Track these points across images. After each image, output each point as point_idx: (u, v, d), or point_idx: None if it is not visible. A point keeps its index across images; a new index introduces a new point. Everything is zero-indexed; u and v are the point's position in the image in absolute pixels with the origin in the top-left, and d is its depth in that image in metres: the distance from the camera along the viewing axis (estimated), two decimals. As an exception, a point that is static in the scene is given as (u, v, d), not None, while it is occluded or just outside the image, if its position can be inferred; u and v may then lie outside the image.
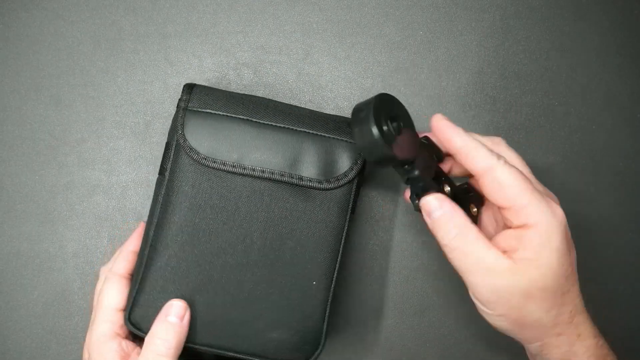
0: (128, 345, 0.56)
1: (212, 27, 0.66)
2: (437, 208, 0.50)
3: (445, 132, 0.52)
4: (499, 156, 0.51)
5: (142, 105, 0.65)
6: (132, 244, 0.60)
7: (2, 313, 0.64)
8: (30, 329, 0.64)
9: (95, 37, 0.66)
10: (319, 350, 0.58)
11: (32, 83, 0.65)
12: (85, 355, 0.56)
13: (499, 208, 0.51)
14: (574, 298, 0.51)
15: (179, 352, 0.54)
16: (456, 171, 0.57)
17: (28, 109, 0.65)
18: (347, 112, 0.66)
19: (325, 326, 0.58)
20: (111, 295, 0.57)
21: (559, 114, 0.66)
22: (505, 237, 0.50)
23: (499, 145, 0.54)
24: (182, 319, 0.55)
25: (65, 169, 0.65)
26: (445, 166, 0.57)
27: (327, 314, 0.58)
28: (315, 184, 0.57)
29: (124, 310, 0.57)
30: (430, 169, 0.54)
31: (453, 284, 0.65)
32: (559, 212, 0.50)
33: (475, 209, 0.55)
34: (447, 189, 0.54)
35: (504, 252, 0.50)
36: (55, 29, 0.66)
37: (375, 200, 0.65)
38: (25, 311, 0.64)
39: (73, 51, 0.66)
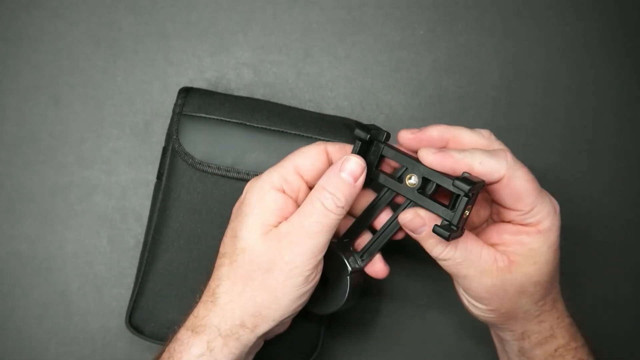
0: (289, 202, 0.49)
1: (212, 26, 0.66)
2: (420, 225, 0.49)
3: (449, 159, 0.48)
4: (511, 160, 0.49)
5: (142, 105, 0.65)
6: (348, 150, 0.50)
7: (2, 313, 0.64)
8: (29, 329, 0.64)
9: (95, 37, 0.66)
10: (317, 351, 0.58)
11: (31, 83, 0.65)
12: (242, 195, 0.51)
13: (504, 207, 0.51)
14: (556, 285, 0.53)
15: (346, 211, 0.48)
16: None
17: (27, 108, 0.65)
18: (347, 112, 0.66)
19: (323, 326, 0.58)
20: (304, 155, 0.49)
21: (559, 114, 0.66)
22: (501, 231, 0.51)
23: (491, 139, 0.52)
24: (356, 180, 0.48)
25: (64, 169, 0.65)
26: None
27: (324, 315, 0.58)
28: None
29: (306, 181, 0.49)
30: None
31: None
32: (557, 206, 0.51)
33: (467, 212, 0.49)
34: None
35: (495, 245, 0.50)
36: (55, 29, 0.66)
37: (375, 201, 0.65)
38: (25, 311, 0.64)
39: (73, 51, 0.66)
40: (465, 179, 0.46)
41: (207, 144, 0.57)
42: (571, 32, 0.66)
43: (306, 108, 0.65)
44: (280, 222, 0.48)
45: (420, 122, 0.66)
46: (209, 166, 0.57)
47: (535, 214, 0.49)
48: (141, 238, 0.63)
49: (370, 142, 0.50)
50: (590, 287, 0.65)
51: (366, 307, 0.65)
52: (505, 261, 0.49)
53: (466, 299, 0.53)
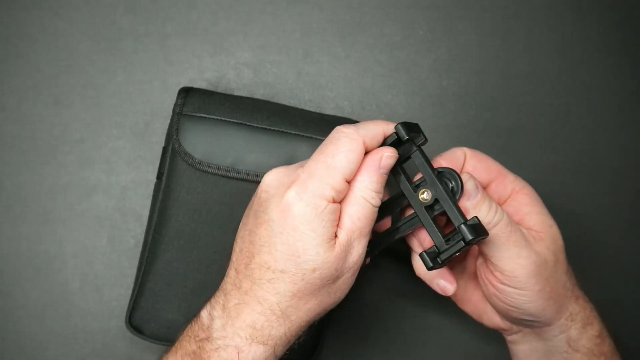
0: (340, 208, 0.48)
1: (212, 26, 0.66)
2: (476, 188, 0.50)
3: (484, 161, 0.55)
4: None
5: (142, 105, 0.65)
6: (387, 125, 0.50)
7: (1, 313, 0.64)
8: (29, 330, 0.64)
9: (95, 36, 0.66)
10: (316, 351, 0.58)
11: (31, 83, 0.65)
12: (266, 195, 0.48)
13: (486, 188, 0.54)
14: None
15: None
16: None
17: (27, 108, 0.65)
18: (347, 112, 0.66)
19: (323, 327, 0.58)
20: (349, 161, 0.47)
21: (559, 114, 0.66)
22: None
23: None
24: (388, 171, 0.49)
25: (64, 169, 0.65)
26: None
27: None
28: None
29: (349, 181, 0.48)
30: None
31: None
32: None
33: (458, 254, 0.50)
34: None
35: None
36: (55, 29, 0.66)
37: (375, 201, 0.65)
38: (25, 311, 0.64)
39: (72, 51, 0.66)
40: (474, 226, 0.46)
41: (207, 144, 0.57)
42: (571, 32, 0.66)
43: (306, 108, 0.65)
44: (335, 230, 0.47)
45: (420, 122, 0.65)
46: (209, 166, 0.57)
47: (513, 181, 0.54)
48: (141, 238, 0.63)
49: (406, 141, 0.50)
50: (590, 287, 0.65)
51: (366, 307, 0.65)
52: (532, 233, 0.52)
53: (508, 291, 0.51)
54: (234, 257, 0.49)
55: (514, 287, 0.51)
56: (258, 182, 0.57)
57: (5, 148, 0.65)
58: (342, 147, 0.47)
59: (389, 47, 0.67)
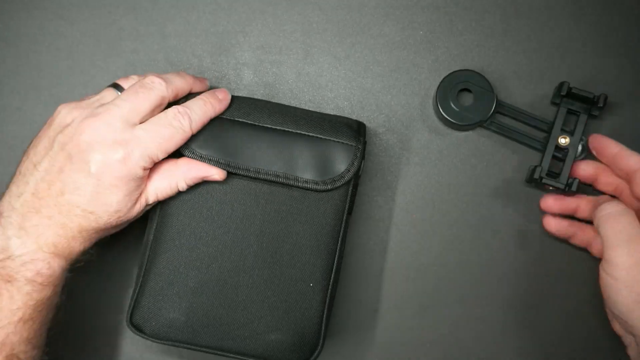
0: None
1: (212, 27, 0.66)
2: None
3: (602, 142, 0.61)
4: None
5: (142, 105, 0.65)
6: (194, 82, 0.60)
7: (2, 313, 0.64)
8: (29, 329, 0.64)
9: (95, 37, 0.66)
10: (317, 351, 0.58)
11: (32, 83, 0.65)
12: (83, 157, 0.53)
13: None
14: None
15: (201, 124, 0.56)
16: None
17: (28, 108, 0.65)
18: (347, 112, 0.66)
19: (323, 327, 0.58)
20: (171, 141, 0.55)
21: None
22: None
23: None
24: (224, 100, 0.58)
25: (64, 169, 0.65)
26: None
27: (324, 315, 0.58)
28: (311, 186, 0.57)
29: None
30: None
31: (452, 284, 0.65)
32: None
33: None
34: None
35: None
36: (55, 29, 0.66)
37: (374, 200, 0.65)
38: (25, 311, 0.64)
39: (73, 51, 0.66)
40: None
41: (207, 142, 0.57)
42: (571, 32, 0.66)
43: (306, 108, 0.65)
44: (141, 190, 0.56)
45: (420, 121, 0.66)
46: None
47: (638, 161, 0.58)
48: (141, 238, 0.63)
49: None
50: (593, 286, 0.65)
51: (366, 308, 0.65)
52: None
53: (607, 283, 0.54)
54: (32, 181, 0.53)
55: (610, 275, 0.54)
56: (259, 180, 0.57)
57: (6, 148, 0.65)
58: (176, 135, 0.54)
59: (389, 47, 0.67)
